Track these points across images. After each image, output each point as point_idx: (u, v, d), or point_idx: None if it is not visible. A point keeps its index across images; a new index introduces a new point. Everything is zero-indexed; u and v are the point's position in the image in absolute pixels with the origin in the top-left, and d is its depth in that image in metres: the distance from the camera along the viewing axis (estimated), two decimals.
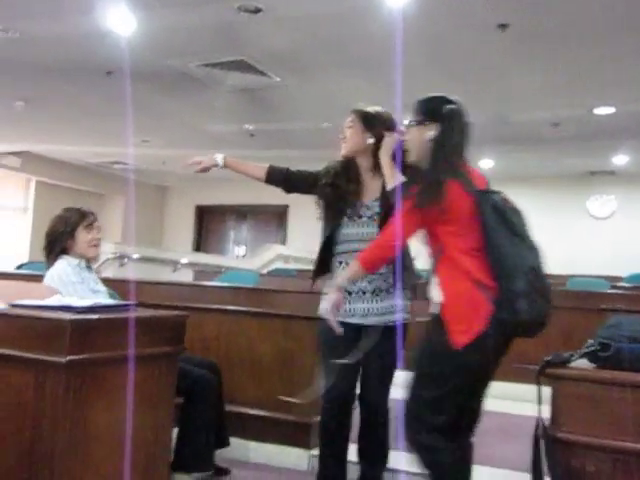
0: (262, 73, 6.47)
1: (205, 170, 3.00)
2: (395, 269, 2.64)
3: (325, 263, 2.80)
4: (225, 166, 2.96)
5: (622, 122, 7.55)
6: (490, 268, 2.05)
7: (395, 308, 2.66)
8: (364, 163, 2.78)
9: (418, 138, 2.29)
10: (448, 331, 2.05)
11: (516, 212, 2.15)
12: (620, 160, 9.85)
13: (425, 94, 2.33)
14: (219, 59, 6.16)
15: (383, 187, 2.70)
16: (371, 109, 2.79)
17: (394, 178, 2.65)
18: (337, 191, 2.77)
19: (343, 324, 2.70)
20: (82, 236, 3.00)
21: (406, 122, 2.36)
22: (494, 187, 2.30)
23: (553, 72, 6.16)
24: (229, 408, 3.36)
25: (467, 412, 2.17)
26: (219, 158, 2.95)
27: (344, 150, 2.79)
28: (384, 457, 2.78)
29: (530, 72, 6.20)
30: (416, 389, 2.15)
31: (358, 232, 2.73)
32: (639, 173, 10.55)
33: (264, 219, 14.04)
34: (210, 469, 2.92)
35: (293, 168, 2.93)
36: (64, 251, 3.00)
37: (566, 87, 6.64)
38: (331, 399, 2.70)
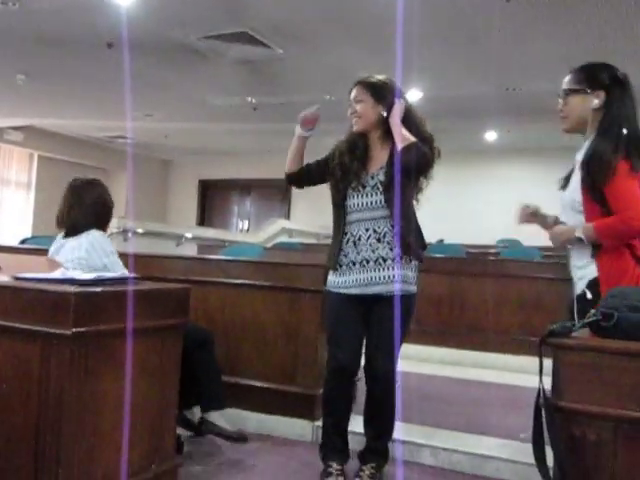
0: (264, 45, 6.41)
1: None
2: (400, 238, 2.65)
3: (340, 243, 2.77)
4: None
5: None
6: None
7: (399, 278, 2.67)
8: (375, 135, 2.78)
9: (580, 106, 2.21)
10: None
11: None
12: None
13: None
14: (220, 31, 6.09)
15: (390, 155, 2.70)
16: (377, 79, 2.75)
17: (405, 138, 2.64)
18: (343, 169, 2.77)
19: (346, 295, 2.72)
20: None
21: (565, 88, 2.27)
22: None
23: (556, 41, 6.08)
24: (234, 380, 3.40)
25: None
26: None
27: (358, 127, 2.76)
28: (390, 428, 2.81)
29: (533, 41, 6.12)
30: None
31: (362, 202, 2.72)
32: None
33: (268, 193, 14.02)
34: (223, 407, 3.06)
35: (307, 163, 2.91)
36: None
37: (569, 57, 6.55)
38: (333, 369, 2.73)
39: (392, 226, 2.67)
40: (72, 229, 2.96)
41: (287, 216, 13.19)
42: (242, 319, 3.57)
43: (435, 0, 5.20)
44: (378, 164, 2.75)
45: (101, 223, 2.99)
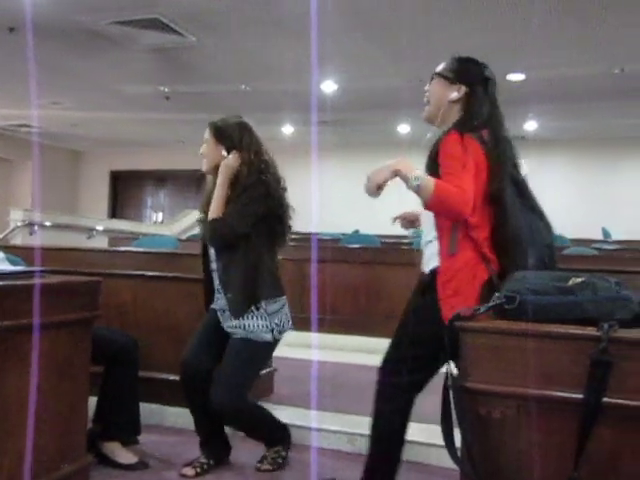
0: (177, 32, 6.27)
1: None
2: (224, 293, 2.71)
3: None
4: None
5: (532, 89, 7.79)
6: (495, 242, 1.98)
7: (237, 327, 2.69)
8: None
9: (439, 93, 2.16)
10: (441, 302, 1.97)
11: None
12: (530, 126, 10.22)
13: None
14: (131, 17, 5.92)
15: None
16: (222, 121, 2.76)
17: (219, 208, 2.65)
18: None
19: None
20: None
21: (434, 72, 2.19)
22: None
23: (467, 36, 6.26)
24: (149, 375, 3.32)
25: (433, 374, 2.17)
26: None
27: (203, 167, 2.81)
28: (268, 438, 2.83)
29: (443, 33, 6.27)
30: (401, 346, 2.24)
31: (211, 252, 2.78)
32: (548, 139, 10.99)
33: (182, 184, 13.76)
34: (138, 434, 2.89)
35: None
36: None
37: (480, 52, 6.76)
38: (182, 370, 2.75)
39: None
40: None
41: None
42: (155, 312, 3.49)
43: None
44: None
45: None
